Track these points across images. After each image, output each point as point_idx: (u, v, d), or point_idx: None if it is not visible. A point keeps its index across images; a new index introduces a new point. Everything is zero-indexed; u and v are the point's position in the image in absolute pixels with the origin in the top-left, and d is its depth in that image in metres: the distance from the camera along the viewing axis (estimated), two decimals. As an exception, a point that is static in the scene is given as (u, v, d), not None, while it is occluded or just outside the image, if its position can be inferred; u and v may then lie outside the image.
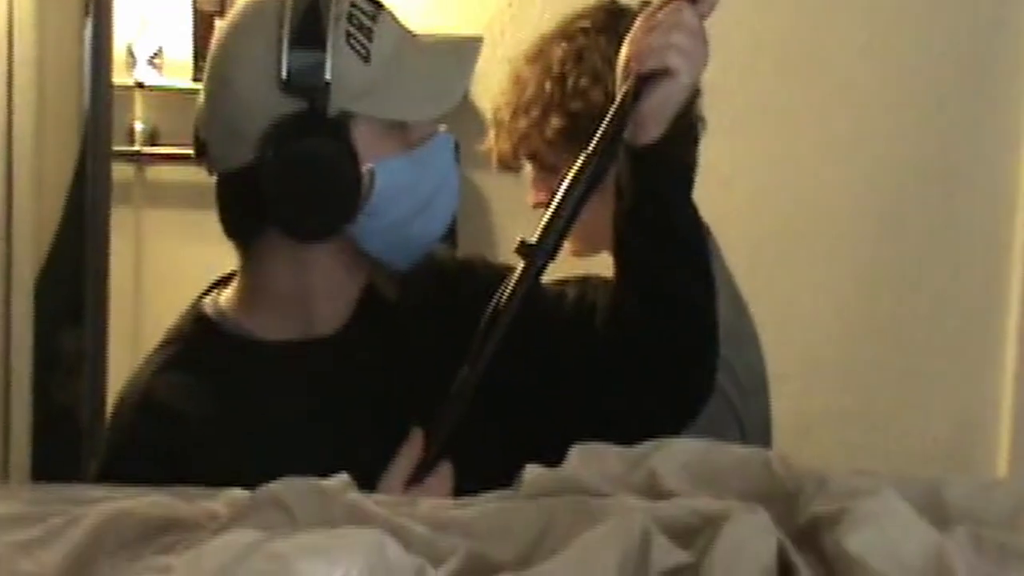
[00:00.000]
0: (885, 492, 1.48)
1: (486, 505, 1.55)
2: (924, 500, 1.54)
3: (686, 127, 2.32)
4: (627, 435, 1.63)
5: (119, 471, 1.98)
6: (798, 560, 1.42)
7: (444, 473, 2.01)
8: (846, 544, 1.40)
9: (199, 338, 2.14)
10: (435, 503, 1.58)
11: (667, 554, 1.39)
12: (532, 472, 1.57)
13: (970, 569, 1.45)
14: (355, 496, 1.53)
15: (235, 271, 2.16)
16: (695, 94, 2.47)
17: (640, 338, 2.07)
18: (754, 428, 2.62)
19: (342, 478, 1.58)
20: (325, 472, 1.55)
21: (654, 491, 1.52)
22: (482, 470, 1.76)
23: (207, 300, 2.18)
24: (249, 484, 1.55)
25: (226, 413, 2.07)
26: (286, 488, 1.52)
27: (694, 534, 1.43)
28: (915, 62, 3.30)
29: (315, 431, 2.04)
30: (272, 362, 2.11)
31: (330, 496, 1.51)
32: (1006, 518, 1.57)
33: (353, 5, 2.05)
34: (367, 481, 1.83)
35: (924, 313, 3.22)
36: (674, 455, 1.58)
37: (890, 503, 1.47)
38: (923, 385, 3.18)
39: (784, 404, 2.74)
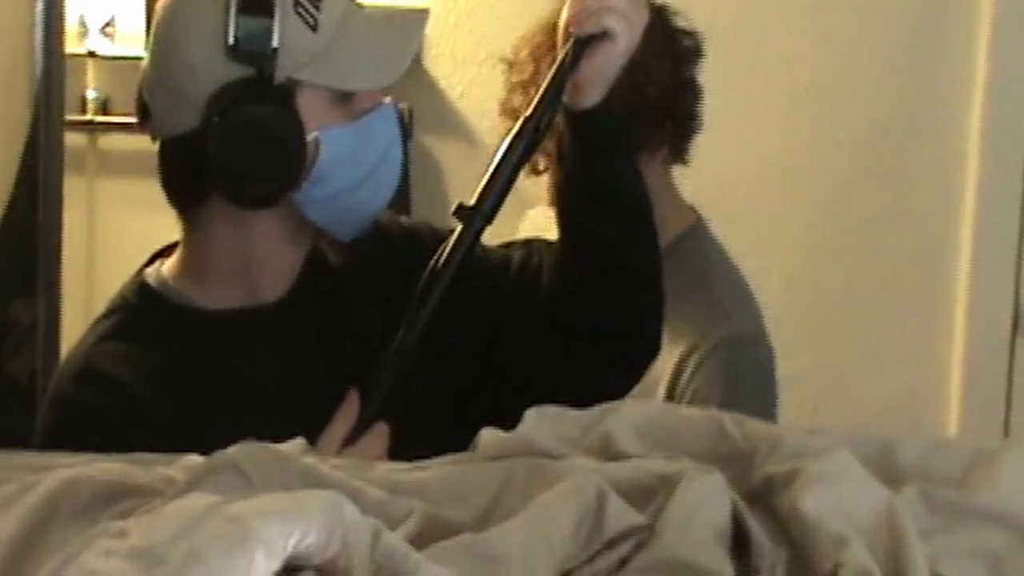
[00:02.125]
0: (838, 452, 1.49)
1: (442, 467, 1.56)
2: (876, 459, 1.55)
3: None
4: (572, 397, 1.65)
5: (60, 440, 1.98)
6: (751, 521, 1.43)
7: (379, 433, 2.00)
8: (799, 504, 1.41)
9: (141, 307, 2.13)
10: (391, 466, 1.58)
11: (622, 515, 1.40)
12: (487, 435, 1.58)
13: (920, 526, 1.46)
14: (311, 460, 1.53)
15: (176, 243, 2.15)
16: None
17: (584, 299, 2.08)
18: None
19: (298, 442, 1.59)
20: (270, 437, 1.55)
21: (609, 453, 1.53)
22: (422, 431, 1.76)
23: (149, 270, 2.16)
24: (189, 451, 1.55)
25: (167, 382, 2.06)
26: (243, 453, 1.52)
27: (649, 495, 1.44)
28: (866, 27, 3.30)
29: (258, 398, 2.04)
30: (214, 330, 2.11)
31: (286, 460, 1.52)
32: (956, 476, 1.58)
33: None
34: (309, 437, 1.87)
35: (877, 280, 3.24)
36: (628, 417, 1.58)
37: (842, 463, 1.48)
38: (877, 348, 3.19)
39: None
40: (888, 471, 1.55)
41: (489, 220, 2.05)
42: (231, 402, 2.03)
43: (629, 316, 2.09)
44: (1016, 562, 1.48)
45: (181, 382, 2.06)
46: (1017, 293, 3.10)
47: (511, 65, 2.62)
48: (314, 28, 2.02)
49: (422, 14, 2.14)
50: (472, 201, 2.04)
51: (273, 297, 2.11)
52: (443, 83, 2.95)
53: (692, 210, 2.69)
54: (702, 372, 2.59)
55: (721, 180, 2.95)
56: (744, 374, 2.64)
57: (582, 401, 1.62)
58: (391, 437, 2.01)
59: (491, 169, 2.04)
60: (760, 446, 1.52)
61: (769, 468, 1.47)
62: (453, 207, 2.07)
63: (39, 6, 2.76)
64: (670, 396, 2.59)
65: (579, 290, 2.08)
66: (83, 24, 3.03)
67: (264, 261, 2.11)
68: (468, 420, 1.62)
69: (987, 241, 3.13)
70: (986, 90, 3.21)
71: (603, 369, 2.07)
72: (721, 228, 2.70)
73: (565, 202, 2.09)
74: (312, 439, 1.78)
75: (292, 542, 1.22)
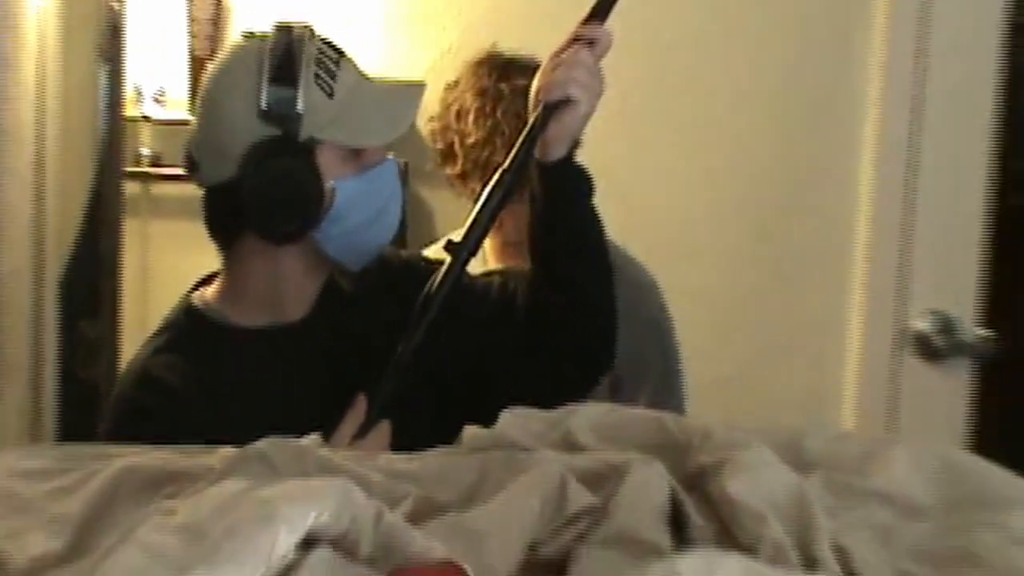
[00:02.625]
0: (757, 445, 1.49)
1: (433, 458, 1.55)
2: (787, 449, 1.55)
3: None
4: (540, 399, 1.65)
5: (121, 433, 1.97)
6: (687, 502, 1.42)
7: (382, 431, 2.00)
8: (727, 488, 1.40)
9: (187, 325, 2.13)
10: (391, 457, 1.57)
11: (580, 497, 1.40)
12: (470, 431, 1.58)
13: (824, 505, 1.45)
14: (325, 452, 1.53)
15: (216, 272, 2.15)
16: None
17: (552, 319, 2.07)
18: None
19: (314, 437, 1.58)
20: (292, 433, 1.54)
21: (569, 446, 1.52)
22: (416, 428, 1.75)
23: (195, 294, 2.16)
24: (225, 444, 1.54)
25: (208, 386, 2.06)
26: (269, 445, 1.51)
27: (602, 481, 1.43)
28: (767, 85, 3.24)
29: (284, 400, 2.03)
30: (248, 345, 2.10)
31: (305, 452, 1.51)
32: (854, 463, 1.58)
33: (320, 51, 2.04)
34: (327, 438, 1.85)
35: (781, 301, 3.22)
36: (585, 416, 1.58)
37: (761, 454, 1.47)
38: (784, 358, 3.18)
39: (690, 374, 2.75)
40: (797, 459, 1.54)
41: (473, 253, 2.05)
42: (259, 403, 2.03)
43: (589, 334, 2.09)
44: (900, 533, 1.47)
45: (219, 386, 2.06)
46: (901, 312, 3.09)
47: (459, 135, 2.60)
48: (330, 96, 2.02)
49: (420, 87, 2.14)
50: (459, 238, 2.04)
51: (296, 317, 2.11)
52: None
53: None
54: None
55: (640, 203, 2.89)
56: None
57: (548, 403, 1.62)
58: (391, 433, 2.00)
59: (474, 212, 2.05)
60: (693, 439, 1.51)
61: (701, 458, 1.47)
62: (443, 242, 2.08)
63: (102, 78, 2.75)
64: None
65: (548, 311, 2.08)
66: (138, 92, 3.01)
67: (289, 287, 2.10)
68: (454, 419, 1.61)
69: (877, 266, 3.12)
70: (876, 113, 3.14)
71: (566, 376, 2.07)
72: (642, 249, 2.69)
73: (535, 238, 2.09)
74: (326, 435, 1.78)
75: (310, 520, 1.21)
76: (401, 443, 1.88)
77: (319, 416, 1.89)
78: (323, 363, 2.08)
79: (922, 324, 3.05)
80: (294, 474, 1.43)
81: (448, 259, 2.05)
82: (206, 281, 2.18)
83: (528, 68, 2.36)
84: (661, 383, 2.69)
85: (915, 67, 3.06)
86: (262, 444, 1.52)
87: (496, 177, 2.05)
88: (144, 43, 2.97)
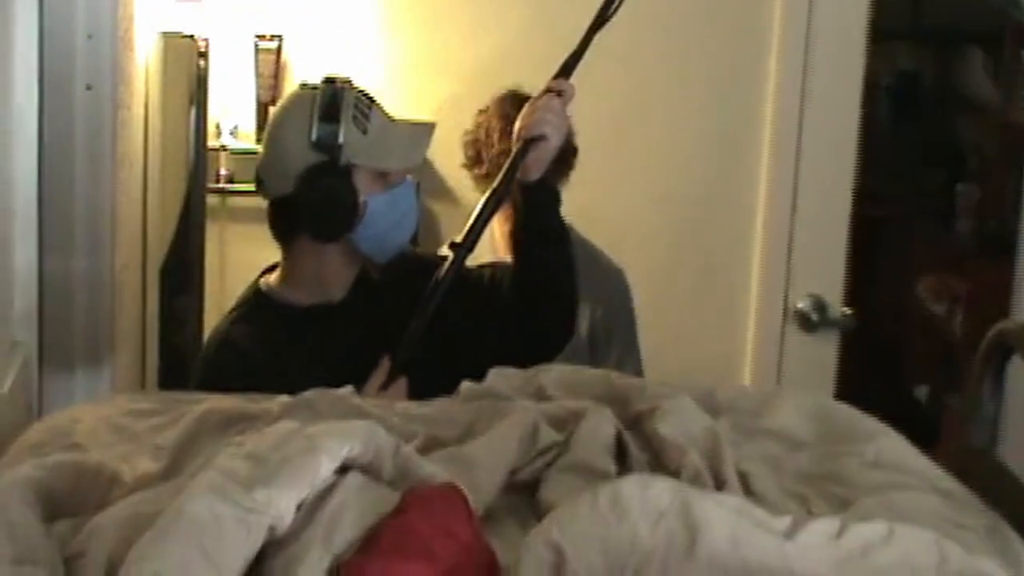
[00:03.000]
0: (680, 396, 1.48)
1: (438, 405, 1.55)
2: (703, 399, 1.54)
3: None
4: (521, 360, 1.65)
5: (207, 386, 1.96)
6: (629, 439, 1.42)
7: (401, 385, 1.99)
8: (658, 428, 1.40)
9: (257, 303, 2.12)
10: (406, 404, 1.57)
11: (548, 435, 1.39)
12: (466, 385, 1.58)
13: (731, 441, 1.45)
14: (357, 399, 1.52)
15: (277, 263, 2.13)
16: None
17: (529, 301, 2.06)
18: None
19: (348, 389, 1.57)
20: (334, 386, 1.54)
21: (540, 396, 1.52)
22: (427, 383, 1.73)
23: (261, 280, 2.15)
24: (288, 393, 1.53)
25: (273, 349, 2.05)
26: (315, 395, 1.51)
27: (565, 423, 1.42)
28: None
29: (329, 360, 2.01)
30: (301, 318, 2.09)
31: (341, 400, 1.50)
32: (752, 409, 1.58)
33: (357, 98, 2.03)
34: (359, 390, 1.85)
35: (697, 284, 3.17)
36: (553, 375, 1.58)
37: (684, 403, 1.47)
38: (699, 329, 3.15)
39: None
40: (710, 407, 1.54)
41: (470, 250, 2.05)
42: (310, 362, 2.01)
43: (557, 308, 2.08)
44: (786, 461, 1.47)
45: (280, 349, 2.04)
46: (788, 295, 3.08)
47: (485, 146, 2.59)
48: (365, 132, 2.01)
49: (431, 125, 2.13)
50: (459, 239, 2.04)
51: (337, 298, 2.09)
52: (438, 166, 2.94)
53: None
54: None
55: (591, 208, 2.82)
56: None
57: (526, 363, 1.64)
58: (408, 386, 1.99)
59: (472, 219, 2.04)
60: (632, 392, 1.51)
61: (639, 406, 1.46)
62: (448, 243, 2.07)
63: (192, 117, 2.74)
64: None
65: (526, 295, 2.06)
66: (218, 128, 2.99)
67: (331, 275, 2.09)
68: (454, 376, 1.61)
69: (770, 258, 3.10)
70: (773, 111, 3.09)
71: (540, 344, 2.05)
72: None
73: (517, 240, 2.08)
74: (359, 387, 1.78)
75: (345, 452, 1.20)
76: (415, 393, 1.87)
77: (355, 373, 1.87)
78: (358, 333, 2.07)
79: (802, 304, 3.05)
80: (333, 417, 1.42)
81: (451, 255, 2.04)
82: (270, 270, 2.16)
83: None
84: (625, 345, 2.69)
85: (800, 102, 3.04)
86: (309, 394, 1.51)
87: (487, 194, 2.05)
88: (223, 90, 2.95)
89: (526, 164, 2.03)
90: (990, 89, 4.48)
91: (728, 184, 3.13)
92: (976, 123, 4.59)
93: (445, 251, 2.10)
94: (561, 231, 2.08)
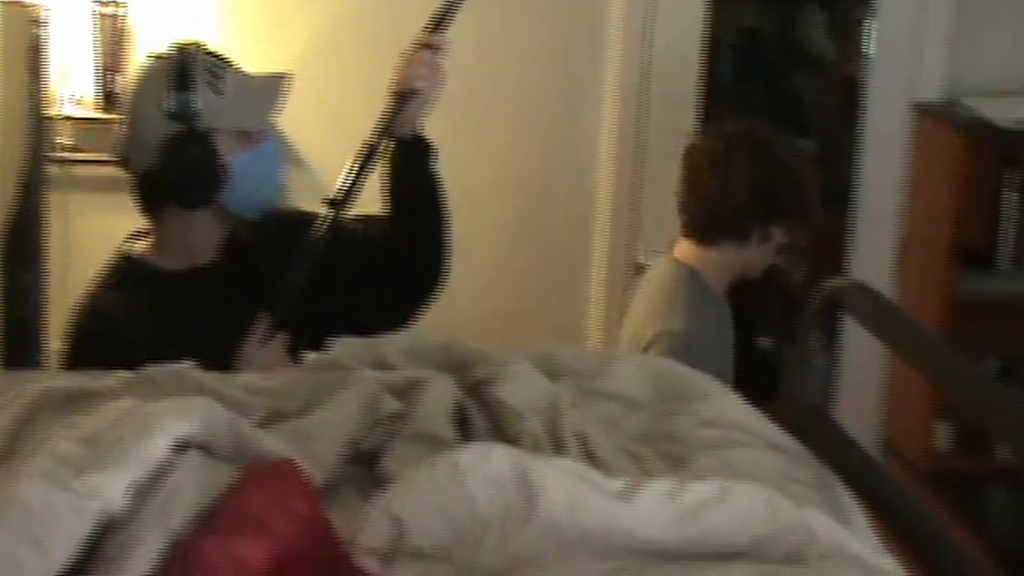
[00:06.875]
0: (520, 362, 1.49)
1: (282, 377, 1.53)
2: (543, 363, 1.55)
3: None
4: (393, 313, 1.79)
5: (81, 358, 1.93)
6: (470, 407, 1.42)
7: (279, 340, 1.97)
8: (497, 394, 1.41)
9: (125, 268, 2.07)
10: (249, 377, 1.54)
11: (388, 404, 1.39)
12: (310, 356, 1.57)
13: (570, 402, 1.47)
14: (198, 374, 1.49)
15: (140, 230, 2.08)
16: None
17: (404, 253, 2.06)
18: None
19: (190, 363, 1.53)
20: (206, 348, 1.53)
21: (382, 366, 1.51)
22: (308, 339, 1.72)
23: (126, 246, 2.10)
24: (167, 358, 1.50)
25: (142, 314, 2.00)
26: (156, 371, 1.49)
27: (406, 392, 1.42)
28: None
29: (207, 324, 1.98)
30: (170, 283, 2.05)
31: (182, 375, 1.48)
32: (592, 371, 1.59)
33: (209, 63, 2.00)
34: (235, 347, 1.91)
35: (542, 248, 3.17)
36: (395, 344, 1.57)
37: (523, 368, 1.47)
38: (543, 290, 3.17)
39: (469, 308, 2.74)
40: (551, 370, 1.55)
41: (343, 207, 2.03)
42: (187, 327, 1.97)
43: (431, 262, 2.08)
44: (624, 421, 1.50)
45: (154, 315, 2.00)
46: (632, 252, 3.11)
47: None
48: (220, 94, 1.98)
49: (289, 76, 2.09)
50: (333, 196, 2.01)
51: (207, 261, 2.06)
52: (288, 131, 2.87)
53: None
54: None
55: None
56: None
57: (401, 313, 1.76)
58: (290, 342, 1.97)
59: (344, 175, 2.02)
60: (473, 360, 1.51)
61: (479, 373, 1.46)
62: (322, 199, 2.03)
63: (31, 87, 2.66)
64: None
65: (400, 242, 2.06)
66: (58, 96, 2.91)
67: (202, 238, 2.05)
68: (332, 330, 1.61)
69: (616, 218, 3.14)
70: (615, 68, 3.12)
71: (414, 294, 2.05)
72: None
73: (394, 190, 2.06)
74: (234, 344, 1.81)
75: (181, 431, 1.19)
76: (294, 346, 1.86)
77: (232, 332, 1.88)
78: (231, 293, 2.03)
79: (644, 260, 3.08)
80: (173, 393, 1.39)
81: (325, 212, 2.02)
82: (132, 237, 2.11)
83: None
84: None
85: (641, 59, 3.08)
86: (150, 370, 1.48)
87: (360, 149, 2.03)
88: (64, 58, 2.87)
89: (399, 119, 2.02)
90: (829, 46, 4.58)
91: (570, 142, 3.14)
92: (816, 79, 4.68)
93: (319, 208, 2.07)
94: (435, 183, 2.08)
